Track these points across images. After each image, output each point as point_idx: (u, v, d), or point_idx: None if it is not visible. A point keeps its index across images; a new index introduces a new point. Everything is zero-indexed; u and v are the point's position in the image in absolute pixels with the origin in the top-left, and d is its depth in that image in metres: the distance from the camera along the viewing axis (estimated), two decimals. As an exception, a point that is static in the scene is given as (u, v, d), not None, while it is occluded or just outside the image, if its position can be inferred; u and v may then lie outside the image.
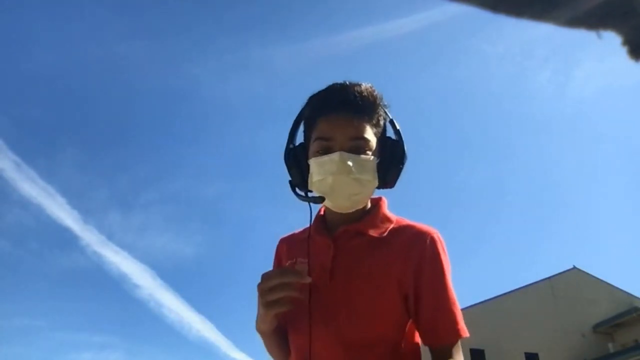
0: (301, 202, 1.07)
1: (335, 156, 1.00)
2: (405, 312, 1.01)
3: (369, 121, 1.05)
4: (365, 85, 1.05)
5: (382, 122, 1.08)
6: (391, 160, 1.06)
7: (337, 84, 1.06)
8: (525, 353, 17.82)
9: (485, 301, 18.33)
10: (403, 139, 1.08)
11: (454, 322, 0.99)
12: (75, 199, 30.00)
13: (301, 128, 1.11)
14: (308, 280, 0.96)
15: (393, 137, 1.09)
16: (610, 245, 31.09)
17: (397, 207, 1.15)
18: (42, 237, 28.66)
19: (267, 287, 0.95)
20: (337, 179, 1.00)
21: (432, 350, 1.01)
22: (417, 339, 1.06)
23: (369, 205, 1.13)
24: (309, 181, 1.06)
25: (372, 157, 1.03)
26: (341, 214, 1.08)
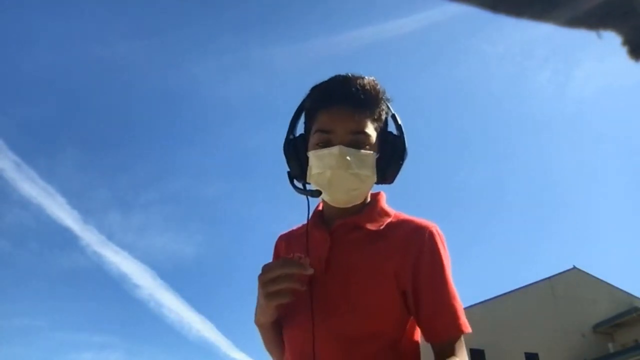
0: (300, 199, 1.07)
1: (334, 150, 1.00)
2: (404, 307, 0.99)
3: (370, 115, 1.03)
4: (368, 79, 1.03)
5: (383, 117, 1.07)
6: (391, 155, 1.05)
7: (339, 75, 1.04)
8: (525, 353, 17.82)
9: (485, 301, 18.32)
10: (405, 134, 1.07)
11: (455, 317, 0.96)
12: (75, 199, 30.01)
13: (302, 119, 1.10)
14: (310, 271, 0.95)
15: (394, 132, 1.08)
16: (610, 245, 31.12)
17: (397, 206, 1.14)
18: (42, 237, 28.67)
19: (269, 277, 0.95)
20: (336, 173, 1.00)
21: (434, 348, 0.98)
22: (417, 336, 1.04)
23: (368, 199, 1.12)
24: (308, 173, 1.05)
25: (372, 152, 1.02)
26: (339, 208, 1.07)
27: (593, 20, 0.41)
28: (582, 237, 30.50)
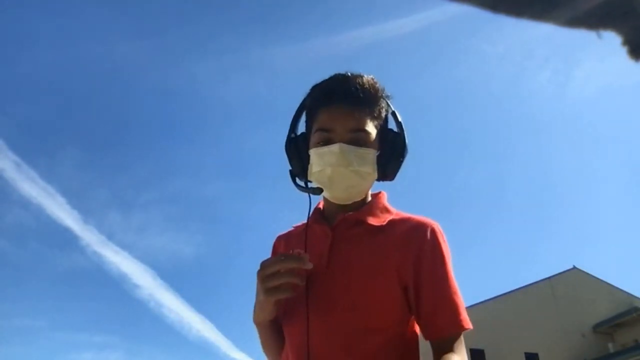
0: (300, 198, 1.08)
1: (334, 148, 1.01)
2: (404, 303, 0.99)
3: (370, 113, 1.04)
4: (367, 77, 1.05)
5: (383, 114, 1.08)
6: (392, 153, 1.06)
7: (339, 74, 1.06)
8: (525, 353, 17.82)
9: (485, 301, 18.31)
10: (405, 131, 1.08)
11: (456, 313, 0.96)
12: (75, 199, 29.95)
13: (303, 118, 1.11)
14: (309, 266, 0.94)
15: (395, 129, 1.09)
16: (610, 245, 31.11)
17: (398, 205, 1.14)
18: (42, 237, 28.64)
19: (268, 273, 0.94)
20: (336, 171, 1.01)
21: (433, 345, 0.97)
22: (416, 333, 1.03)
23: (369, 198, 1.13)
24: (309, 171, 1.06)
25: (372, 149, 1.03)
26: (339, 206, 1.08)
27: (593, 20, 0.41)
28: (582, 237, 30.51)
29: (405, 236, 1.03)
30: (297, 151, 1.08)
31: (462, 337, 0.97)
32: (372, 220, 1.06)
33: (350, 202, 1.07)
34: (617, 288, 20.40)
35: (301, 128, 1.12)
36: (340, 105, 1.03)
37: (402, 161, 1.07)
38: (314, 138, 1.05)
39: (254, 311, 1.05)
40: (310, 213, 1.09)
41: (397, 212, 1.11)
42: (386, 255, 1.01)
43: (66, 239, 28.84)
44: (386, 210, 1.10)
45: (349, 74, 1.05)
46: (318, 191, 1.06)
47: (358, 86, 1.03)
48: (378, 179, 1.07)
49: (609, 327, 19.14)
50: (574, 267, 20.51)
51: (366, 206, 1.09)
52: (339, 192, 1.05)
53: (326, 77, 1.07)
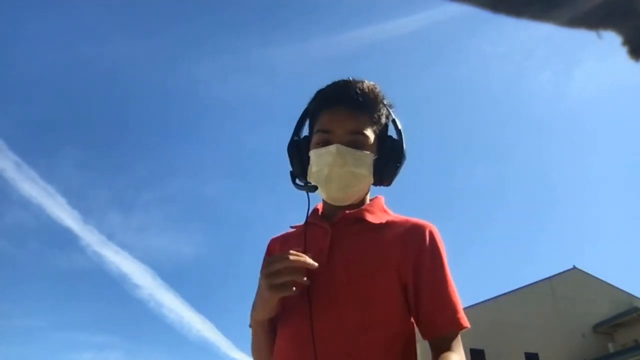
0: (301, 199, 1.10)
1: (332, 148, 1.03)
2: (404, 302, 1.01)
3: (370, 118, 1.07)
4: (367, 83, 1.08)
5: (383, 120, 1.10)
6: (389, 158, 1.08)
7: (341, 80, 1.10)
8: (525, 353, 17.81)
9: (485, 301, 18.31)
10: (404, 138, 1.10)
11: (454, 312, 0.98)
12: (75, 199, 30.04)
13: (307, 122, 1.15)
14: (315, 265, 0.95)
15: (394, 136, 1.11)
16: (610, 245, 31.13)
17: (397, 206, 1.16)
18: (42, 237, 28.70)
19: (273, 270, 0.95)
20: (333, 170, 1.03)
21: (432, 345, 0.99)
22: (414, 334, 1.04)
23: (367, 201, 1.15)
24: (308, 172, 1.09)
25: (369, 152, 1.06)
26: (337, 207, 1.10)
27: (593, 20, 0.41)
28: (582, 237, 30.54)
29: (404, 235, 1.04)
30: (299, 153, 1.10)
31: (459, 337, 0.99)
32: (371, 219, 1.08)
33: (346, 204, 1.09)
34: (617, 288, 20.39)
35: (305, 132, 1.15)
36: (340, 108, 1.06)
37: (399, 167, 1.09)
38: (314, 139, 1.09)
39: (254, 309, 1.04)
40: (309, 214, 1.10)
41: (394, 214, 1.13)
42: (386, 252, 1.02)
43: (66, 239, 28.95)
44: (384, 212, 1.12)
45: (351, 79, 1.09)
46: (314, 188, 1.08)
47: (359, 90, 1.06)
48: (375, 184, 1.10)
49: (609, 327, 19.13)
50: (574, 267, 20.50)
51: (365, 206, 1.11)
52: (334, 192, 1.06)
53: (326, 77, 1.10)
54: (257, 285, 1.00)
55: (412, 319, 1.03)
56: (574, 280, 19.95)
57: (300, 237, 1.08)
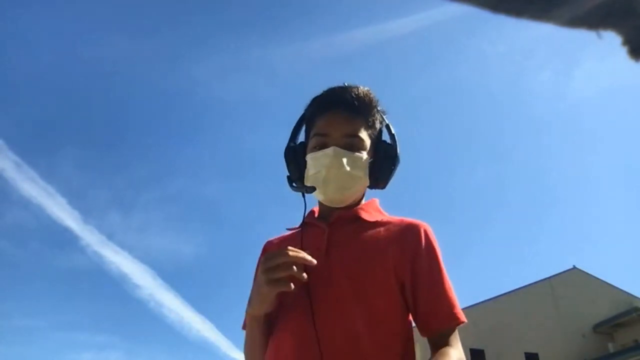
0: (300, 198, 1.11)
1: (329, 151, 1.06)
2: (402, 301, 1.02)
3: (364, 122, 1.11)
4: (362, 88, 1.12)
5: (377, 125, 1.14)
6: (383, 161, 1.11)
7: (337, 86, 1.13)
8: (525, 353, 17.83)
9: (485, 301, 18.33)
10: (397, 143, 1.13)
11: (451, 307, 1.01)
12: (75, 199, 30.04)
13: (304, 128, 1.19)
14: (314, 261, 0.96)
15: (389, 141, 1.14)
16: (610, 245, 31.13)
17: (396, 207, 1.18)
18: (42, 237, 28.71)
19: (273, 264, 0.95)
20: (330, 172, 1.06)
21: (430, 341, 1.01)
22: (412, 332, 1.05)
23: (362, 202, 1.17)
24: (306, 175, 1.11)
25: (365, 155, 1.08)
26: (333, 209, 1.12)
27: (593, 20, 0.41)
28: (582, 237, 30.54)
29: (401, 234, 1.07)
30: (296, 158, 1.13)
31: (457, 332, 1.02)
32: (367, 217, 1.11)
33: (343, 205, 1.11)
34: (617, 288, 20.41)
35: (302, 138, 1.18)
36: (336, 112, 1.10)
37: (393, 169, 1.12)
38: (311, 143, 1.12)
39: (251, 304, 1.03)
40: (305, 215, 1.13)
41: (390, 215, 1.15)
42: (383, 249, 1.04)
43: (66, 239, 28.94)
44: (380, 212, 1.16)
45: (346, 84, 1.12)
46: (311, 189, 1.09)
47: (354, 95, 1.10)
48: (370, 187, 1.13)
49: (609, 327, 19.14)
50: (574, 267, 20.52)
51: (361, 205, 1.15)
52: (331, 193, 1.09)
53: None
54: (253, 282, 1.01)
55: (410, 318, 1.04)
56: (574, 280, 19.97)
57: (297, 238, 1.09)
